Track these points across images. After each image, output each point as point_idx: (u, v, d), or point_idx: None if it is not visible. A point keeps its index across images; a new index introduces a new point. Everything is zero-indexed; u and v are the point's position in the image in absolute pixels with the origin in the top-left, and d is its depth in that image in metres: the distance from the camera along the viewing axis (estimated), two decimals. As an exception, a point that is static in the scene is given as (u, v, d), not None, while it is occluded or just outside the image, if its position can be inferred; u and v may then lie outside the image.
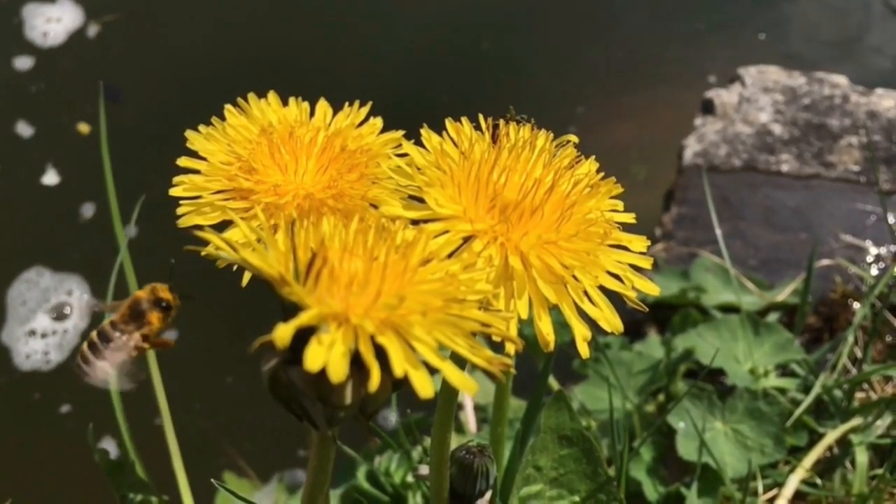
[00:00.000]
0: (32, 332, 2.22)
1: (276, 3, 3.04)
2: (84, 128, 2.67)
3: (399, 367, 0.46)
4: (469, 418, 1.46)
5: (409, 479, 1.29)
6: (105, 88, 2.72)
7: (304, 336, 0.48)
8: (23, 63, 2.85)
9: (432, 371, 0.49)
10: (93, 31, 2.94)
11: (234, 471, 1.99)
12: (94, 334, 0.76)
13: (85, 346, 0.76)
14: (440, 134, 0.71)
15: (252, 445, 2.10)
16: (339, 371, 0.45)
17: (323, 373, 0.47)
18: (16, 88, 2.82)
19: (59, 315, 2.26)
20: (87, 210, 2.47)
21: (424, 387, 0.47)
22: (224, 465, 2.01)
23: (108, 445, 2.01)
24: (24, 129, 2.70)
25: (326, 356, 0.46)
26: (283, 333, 0.46)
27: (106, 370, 0.75)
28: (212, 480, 0.96)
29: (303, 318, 0.47)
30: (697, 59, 2.85)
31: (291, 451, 2.08)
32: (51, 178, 2.58)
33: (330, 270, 0.50)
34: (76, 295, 2.28)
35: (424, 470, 0.96)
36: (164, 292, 0.77)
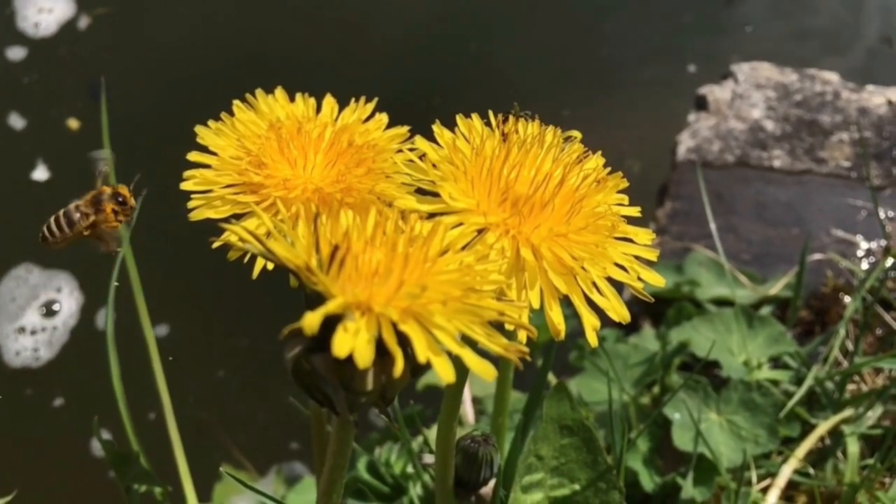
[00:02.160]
0: (22, 329, 2.22)
1: (267, 1, 3.05)
2: (74, 123, 2.67)
3: (422, 353, 0.48)
4: (467, 410, 1.47)
5: (409, 469, 1.31)
6: (89, 86, 2.72)
7: (326, 325, 0.50)
8: (15, 53, 2.85)
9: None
10: (84, 22, 2.94)
11: (231, 463, 2.00)
12: (61, 212, 0.88)
13: (52, 220, 0.88)
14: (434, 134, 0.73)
15: (245, 438, 2.11)
16: (365, 357, 0.47)
17: (345, 360, 0.49)
18: (8, 79, 2.82)
19: (49, 312, 2.26)
20: (77, 208, 2.47)
21: (447, 372, 0.49)
22: (220, 458, 2.02)
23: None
24: (17, 122, 2.69)
25: (353, 343, 0.47)
26: (311, 321, 0.48)
27: (62, 240, 0.88)
28: (221, 469, 0.97)
29: (330, 307, 0.49)
30: (684, 53, 2.87)
31: (284, 444, 2.10)
32: (41, 173, 2.57)
33: (353, 261, 0.51)
34: (65, 292, 2.28)
35: (429, 458, 0.98)
36: (124, 191, 0.87)
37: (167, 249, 2.30)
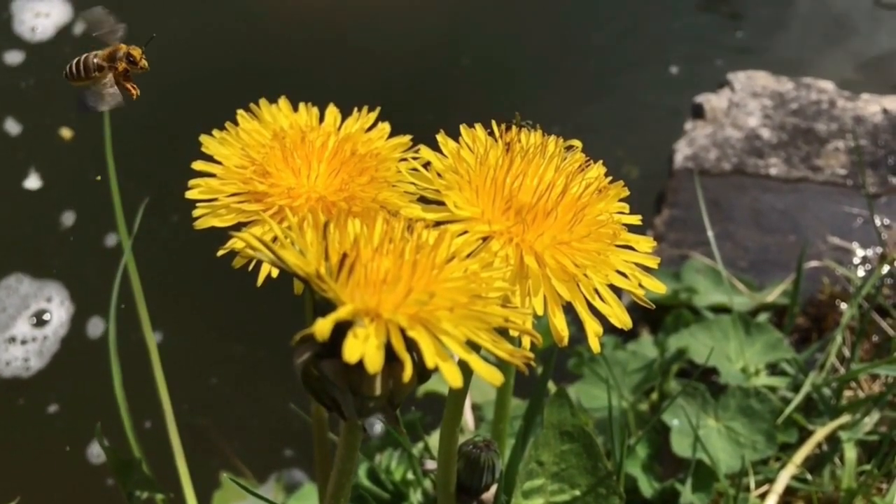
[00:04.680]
0: (12, 339, 2.21)
1: (261, 14, 3.05)
2: (67, 133, 2.67)
3: (430, 359, 0.49)
4: (467, 417, 1.48)
5: (410, 476, 1.31)
6: (78, 99, 2.72)
7: (335, 331, 0.51)
8: (12, 58, 2.85)
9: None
10: (80, 28, 2.95)
11: (229, 470, 2.00)
12: (82, 57, 0.98)
13: (73, 63, 0.98)
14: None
15: (240, 445, 2.11)
16: (375, 362, 0.48)
17: (354, 365, 0.50)
18: (5, 84, 2.82)
19: (39, 322, 2.25)
20: (68, 218, 2.46)
21: (455, 378, 0.50)
22: (218, 465, 2.02)
23: (96, 448, 2.02)
24: (13, 127, 2.69)
25: (363, 348, 0.48)
26: (322, 327, 0.49)
27: (81, 83, 0.98)
28: (223, 475, 0.98)
29: (340, 313, 0.50)
30: (677, 62, 2.88)
31: (279, 451, 2.10)
32: (33, 182, 2.57)
33: (362, 268, 0.53)
34: (56, 302, 2.28)
35: (431, 464, 0.99)
36: (135, 51, 0.97)
37: (160, 257, 2.30)
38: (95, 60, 0.99)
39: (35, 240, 2.46)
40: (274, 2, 3.08)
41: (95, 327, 2.25)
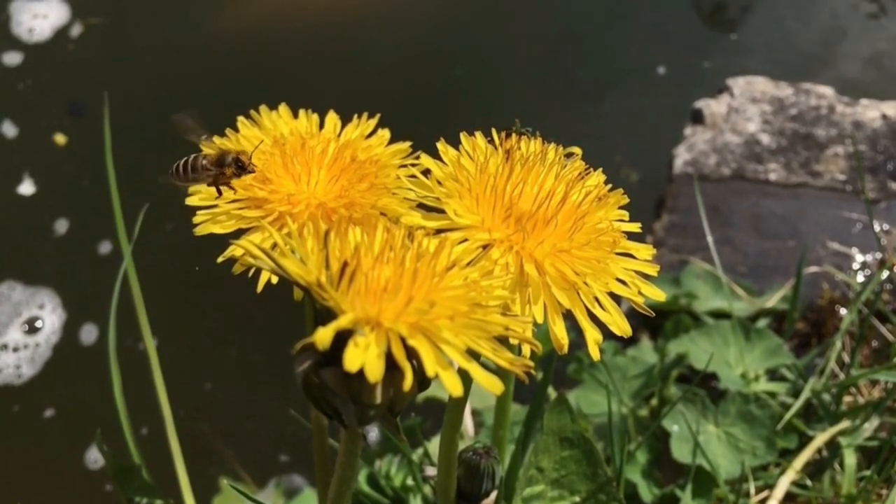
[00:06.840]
0: (4, 346, 2.21)
1: (258, 25, 3.05)
2: (61, 139, 2.67)
3: (431, 368, 0.49)
4: (467, 422, 1.48)
5: (409, 482, 1.31)
6: (69, 104, 2.73)
7: (336, 339, 0.51)
8: (10, 59, 2.86)
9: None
10: (76, 31, 2.95)
11: (227, 475, 2.00)
12: (190, 158, 0.97)
13: (181, 163, 0.97)
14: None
15: (240, 450, 2.11)
16: (375, 371, 0.48)
17: (354, 374, 0.50)
18: (3, 85, 2.82)
19: (31, 329, 2.25)
20: (62, 225, 2.46)
21: (455, 386, 0.50)
22: (216, 471, 2.02)
23: (94, 453, 2.02)
24: (9, 129, 2.69)
25: (363, 357, 0.49)
26: (323, 336, 0.49)
27: (184, 183, 0.97)
28: (223, 481, 0.98)
29: (341, 322, 0.50)
30: (671, 65, 2.88)
31: (275, 456, 2.10)
32: (27, 187, 2.57)
33: (363, 277, 0.53)
34: (48, 309, 2.28)
35: (431, 471, 0.99)
36: (244, 157, 0.94)
37: (154, 264, 2.30)
38: (204, 163, 1.00)
39: (28, 246, 2.46)
40: (270, 12, 3.09)
41: (88, 334, 2.24)
